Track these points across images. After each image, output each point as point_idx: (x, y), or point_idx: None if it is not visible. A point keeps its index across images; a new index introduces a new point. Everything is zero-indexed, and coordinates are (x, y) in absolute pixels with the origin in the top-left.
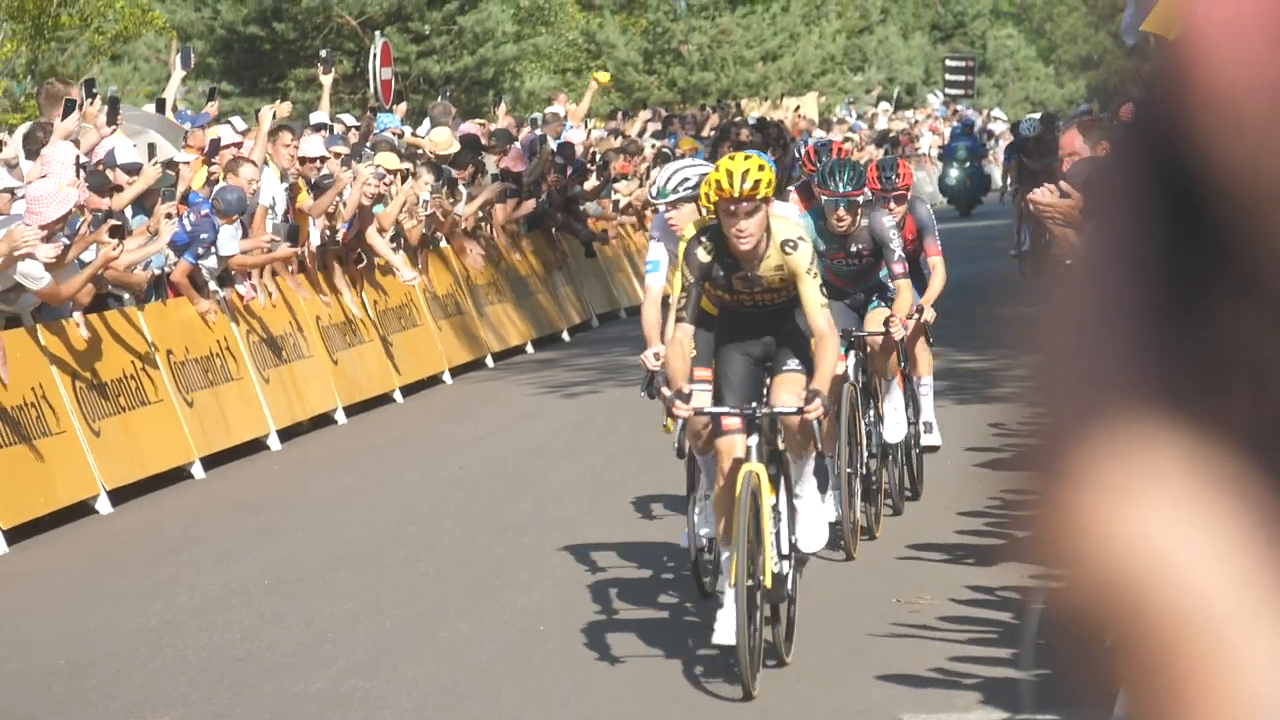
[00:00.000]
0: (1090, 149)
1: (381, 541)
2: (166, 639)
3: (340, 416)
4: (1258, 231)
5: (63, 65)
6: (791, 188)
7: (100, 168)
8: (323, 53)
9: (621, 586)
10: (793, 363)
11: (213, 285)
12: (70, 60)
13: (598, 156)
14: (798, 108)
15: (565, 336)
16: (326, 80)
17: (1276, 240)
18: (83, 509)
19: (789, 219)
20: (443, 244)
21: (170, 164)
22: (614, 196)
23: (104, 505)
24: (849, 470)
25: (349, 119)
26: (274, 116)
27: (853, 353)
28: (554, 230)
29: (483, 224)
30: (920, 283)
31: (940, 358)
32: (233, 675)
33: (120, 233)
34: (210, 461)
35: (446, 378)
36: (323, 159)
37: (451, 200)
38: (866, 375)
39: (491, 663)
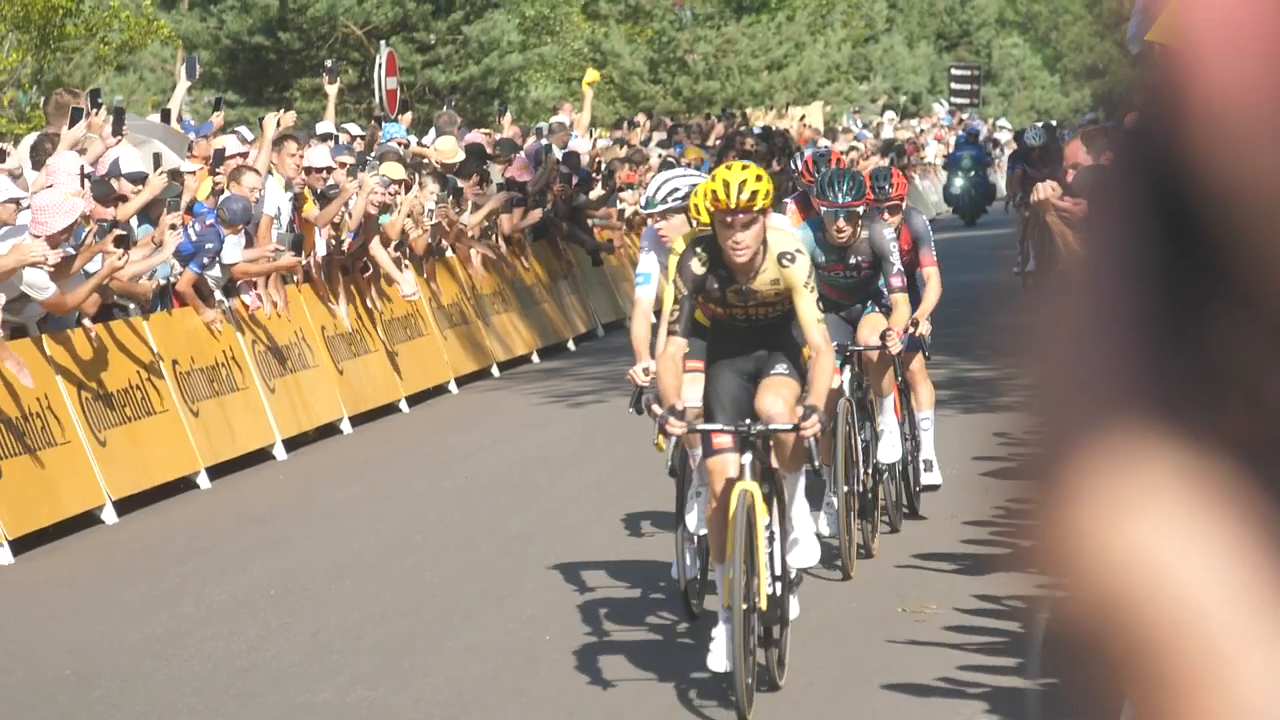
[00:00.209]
0: (1094, 158)
1: (387, 551)
2: (172, 649)
3: (346, 426)
4: (1252, 249)
5: (68, 75)
6: (788, 198)
7: (105, 178)
8: (328, 62)
9: (627, 597)
10: (781, 367)
11: (218, 295)
12: (76, 70)
13: (603, 166)
14: (803, 117)
15: (571, 346)
16: (332, 90)
17: (1271, 258)
18: (88, 519)
19: (786, 231)
20: (448, 253)
21: (175, 174)
22: (619, 206)
23: (109, 515)
24: (846, 488)
25: (354, 129)
26: (278, 125)
27: (848, 367)
28: (559, 240)
29: (489, 233)
30: (916, 296)
31: (945, 366)
32: (239, 685)
33: (125, 243)
34: (216, 471)
35: (452, 387)
36: (329, 169)
37: (457, 210)
38: (862, 390)
39: (497, 672)
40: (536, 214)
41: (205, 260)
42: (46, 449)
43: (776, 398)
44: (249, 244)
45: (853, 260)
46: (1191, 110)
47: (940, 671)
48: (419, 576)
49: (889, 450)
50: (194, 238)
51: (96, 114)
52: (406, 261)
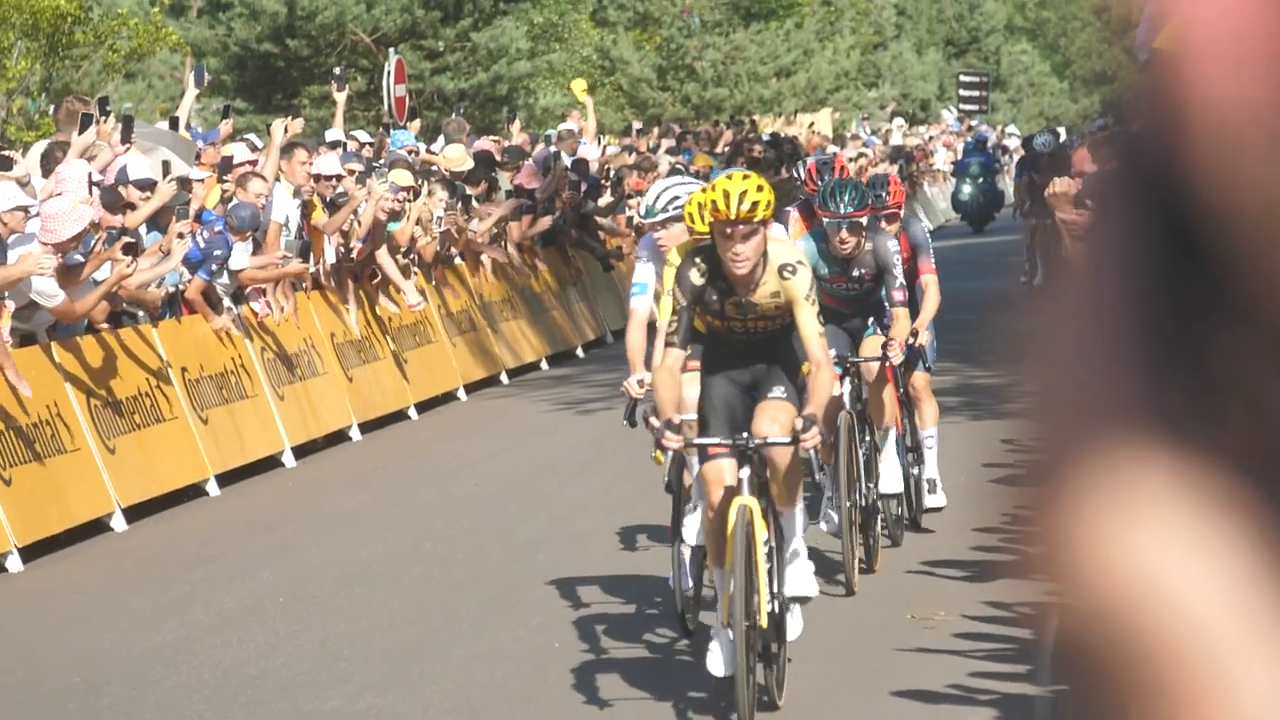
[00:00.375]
0: (1101, 166)
1: (396, 558)
2: (181, 656)
3: (355, 433)
4: (1251, 261)
5: (77, 83)
6: (791, 207)
7: (112, 185)
8: (337, 70)
9: (637, 603)
10: (779, 389)
11: (227, 302)
12: (84, 78)
13: (612, 173)
14: (812, 124)
15: (580, 353)
16: (340, 97)
17: (1270, 270)
18: (98, 526)
19: (787, 242)
20: (457, 261)
21: (184, 182)
22: (628, 213)
23: (119, 522)
24: (849, 503)
25: (363, 136)
26: (285, 131)
27: (848, 379)
28: (568, 247)
29: (498, 240)
30: (916, 304)
31: (953, 373)
32: (248, 693)
33: (134, 250)
34: (225, 479)
35: (461, 394)
36: (338, 177)
37: (466, 217)
38: (862, 403)
39: (506, 680)
40: (546, 221)
41: (214, 267)
42: (56, 456)
43: (773, 423)
44: (257, 251)
45: (855, 272)
46: (1189, 121)
47: (949, 679)
48: (428, 584)
49: (890, 481)
50: (203, 245)
51: (105, 121)
52: (415, 269)
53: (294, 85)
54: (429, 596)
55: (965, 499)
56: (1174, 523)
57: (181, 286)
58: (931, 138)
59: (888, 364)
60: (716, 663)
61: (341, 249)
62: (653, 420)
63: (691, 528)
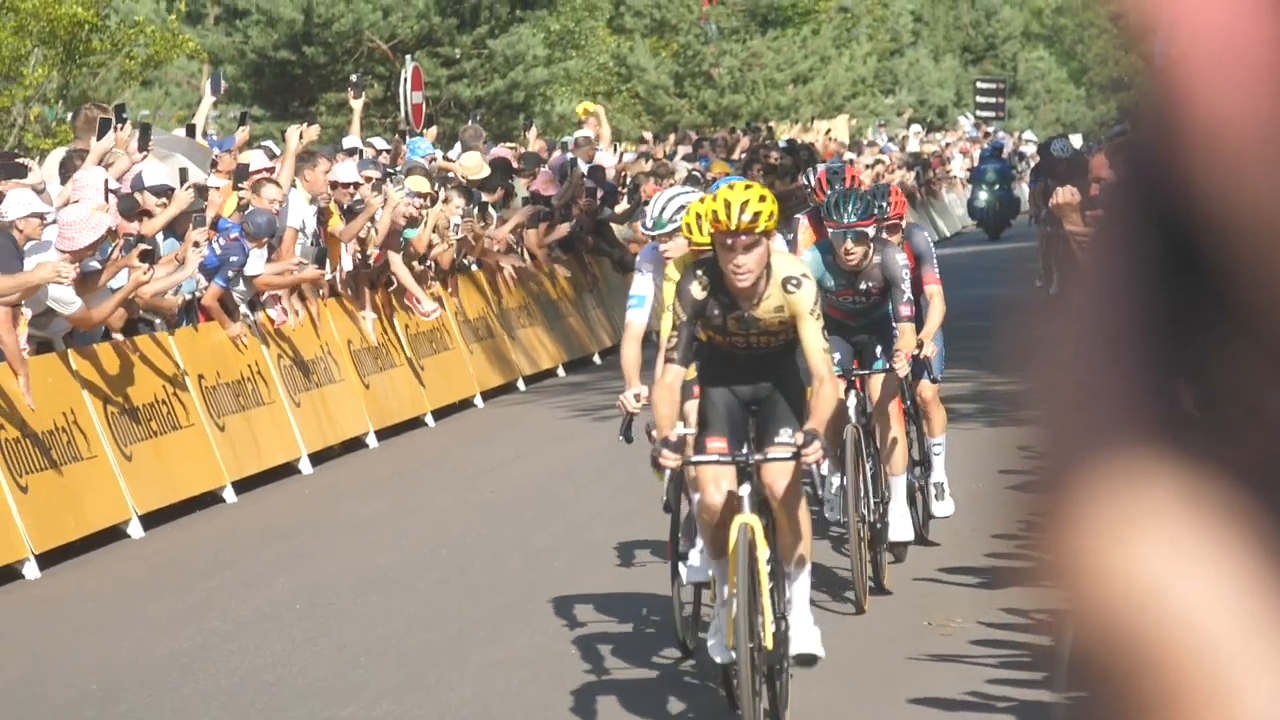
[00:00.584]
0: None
1: (413, 565)
2: (198, 663)
3: (371, 440)
4: (1250, 273)
5: (94, 90)
6: (801, 215)
7: (128, 191)
8: (353, 77)
9: (653, 610)
10: (785, 433)
11: (243, 309)
12: (101, 85)
13: (628, 179)
14: (829, 130)
15: (596, 359)
16: (357, 104)
17: (1269, 281)
18: (114, 533)
19: (790, 255)
20: (474, 268)
21: (200, 189)
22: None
23: (135, 529)
24: (857, 519)
25: (380, 143)
26: (300, 138)
27: (853, 392)
28: (585, 253)
29: (515, 246)
30: (922, 315)
31: (970, 380)
32: (264, 700)
33: (151, 258)
34: (241, 485)
35: (478, 401)
36: (355, 184)
37: (483, 224)
38: (867, 416)
39: (522, 687)
40: (564, 228)
41: (230, 274)
42: (72, 463)
43: (782, 476)
44: (272, 257)
45: (863, 285)
46: (1189, 133)
47: (967, 686)
48: (444, 591)
49: (900, 529)
50: (219, 251)
51: (121, 129)
52: (433, 277)
53: (311, 92)
54: (445, 603)
55: (982, 506)
56: (1176, 532)
57: (198, 293)
58: (948, 144)
59: (894, 373)
60: (718, 648)
61: (358, 256)
62: (653, 433)
63: (692, 564)
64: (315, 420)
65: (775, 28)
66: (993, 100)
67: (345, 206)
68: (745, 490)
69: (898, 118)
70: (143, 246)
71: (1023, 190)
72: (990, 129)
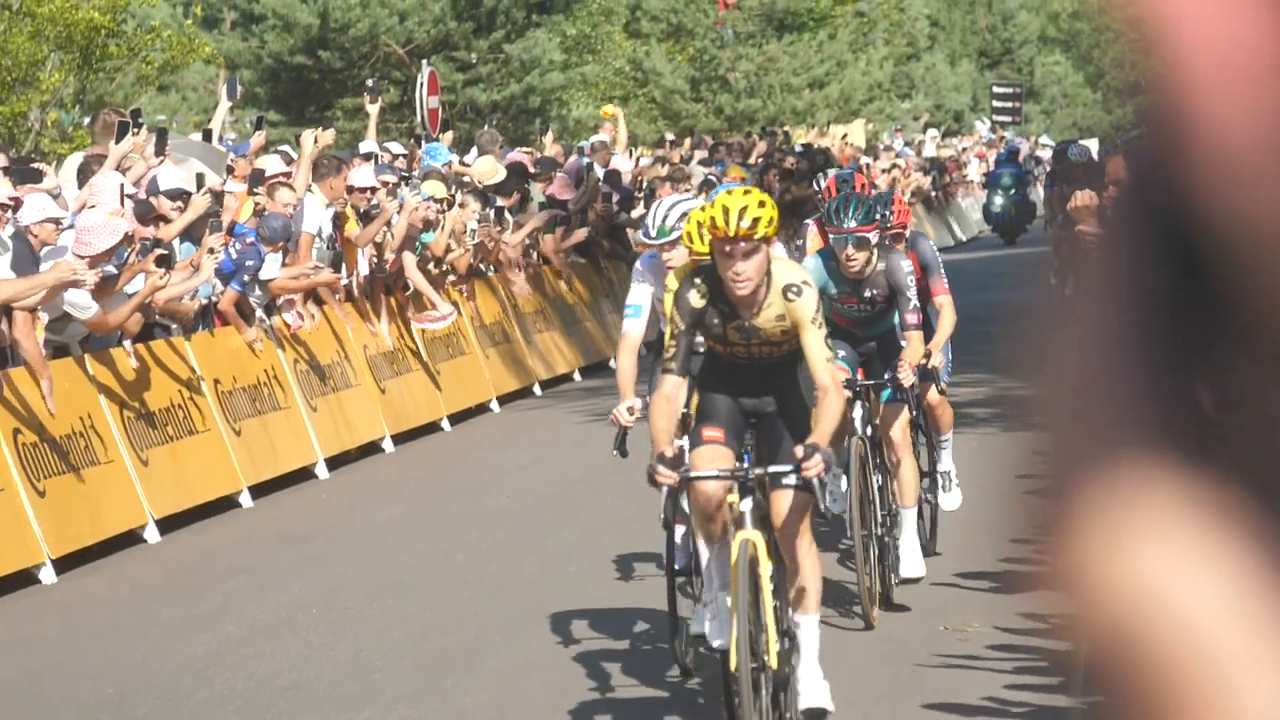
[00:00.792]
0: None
1: (429, 570)
2: (214, 668)
3: (388, 445)
4: (1254, 281)
5: (110, 95)
6: (810, 220)
7: (144, 197)
8: (369, 82)
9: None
10: (792, 479)
11: (260, 313)
12: (118, 90)
13: (644, 184)
14: (845, 135)
15: (612, 364)
16: (373, 109)
17: (1272, 289)
18: (131, 538)
19: (792, 262)
20: (490, 272)
21: (216, 195)
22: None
23: (152, 534)
24: (864, 533)
25: (396, 148)
26: (315, 142)
27: (859, 403)
28: (601, 258)
29: (530, 251)
30: (930, 328)
31: (986, 384)
32: (280, 705)
33: (167, 262)
34: (258, 490)
35: (494, 406)
36: (372, 189)
37: (499, 228)
38: (874, 427)
39: (539, 692)
40: (582, 233)
41: (246, 279)
42: (89, 468)
43: (792, 515)
44: (288, 262)
45: (867, 293)
46: (1190, 139)
47: (984, 691)
48: (460, 595)
49: (911, 566)
50: (234, 256)
51: (138, 133)
52: (454, 283)
53: (327, 97)
54: (461, 608)
55: (998, 510)
56: (1180, 538)
57: (214, 298)
58: (965, 149)
59: (898, 381)
60: (716, 631)
61: (374, 260)
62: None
63: (701, 622)
64: (331, 425)
65: (791, 32)
66: (1009, 105)
67: (361, 211)
68: (747, 505)
69: (914, 122)
70: (159, 251)
71: (1038, 195)
72: (1006, 134)
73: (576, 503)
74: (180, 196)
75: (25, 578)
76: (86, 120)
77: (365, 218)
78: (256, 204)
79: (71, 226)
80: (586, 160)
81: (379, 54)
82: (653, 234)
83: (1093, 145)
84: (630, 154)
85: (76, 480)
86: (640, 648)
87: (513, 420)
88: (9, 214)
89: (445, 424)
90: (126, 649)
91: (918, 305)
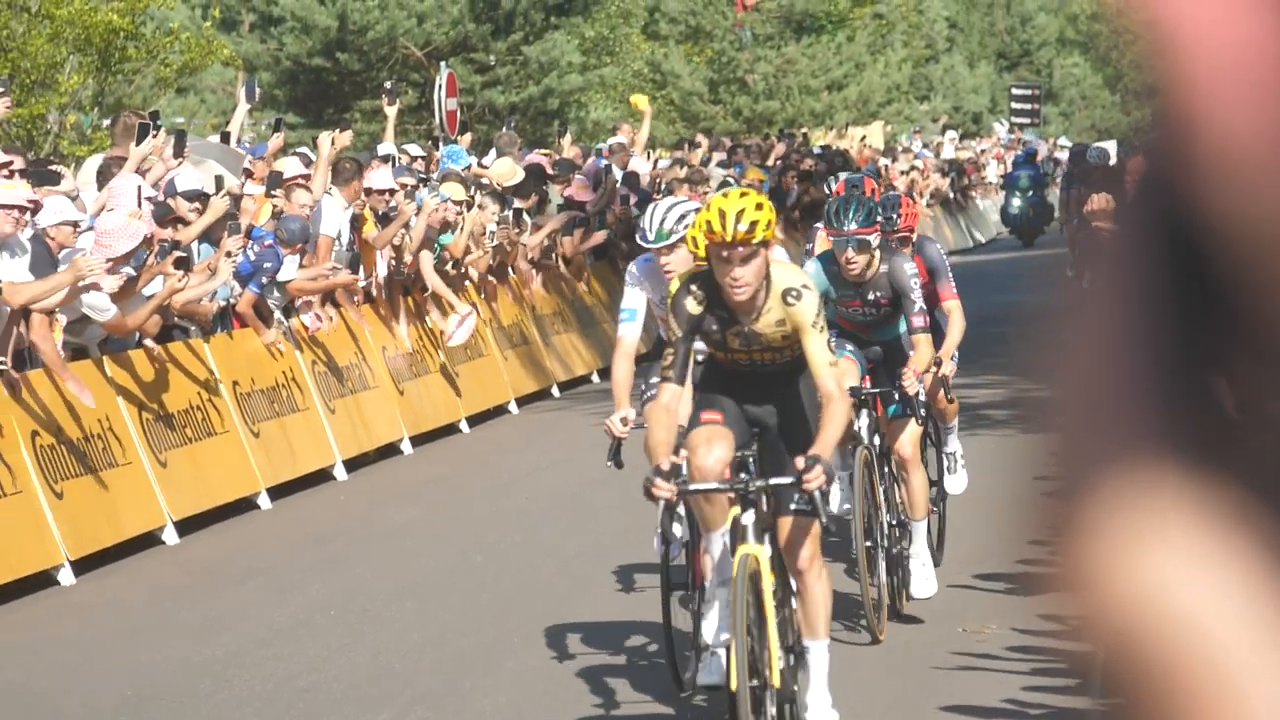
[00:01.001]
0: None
1: (447, 572)
2: (232, 670)
3: (406, 447)
4: (1259, 287)
5: (129, 97)
6: (819, 224)
7: (163, 198)
8: (388, 84)
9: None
10: (798, 501)
11: (278, 315)
12: (136, 92)
13: (663, 186)
14: (863, 137)
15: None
16: (391, 111)
17: (1274, 292)
18: (149, 540)
19: (792, 266)
20: (510, 274)
21: (234, 198)
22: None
23: (170, 536)
24: (868, 544)
25: (414, 150)
26: (333, 144)
27: (865, 411)
28: (619, 260)
29: (549, 253)
30: (939, 334)
31: (1005, 386)
32: (299, 706)
33: (186, 264)
34: (276, 492)
35: (512, 408)
36: (391, 191)
37: (517, 230)
38: (880, 435)
39: (557, 693)
40: (600, 235)
41: (264, 280)
42: (108, 470)
43: (802, 548)
44: (304, 263)
45: (870, 296)
46: (1196, 144)
47: (1002, 693)
48: (479, 597)
49: (923, 586)
50: (253, 258)
51: (156, 136)
52: (472, 277)
53: (345, 100)
54: (480, 610)
55: (1016, 512)
56: (1187, 542)
57: (233, 300)
58: (983, 151)
59: (904, 390)
60: (715, 666)
61: (392, 262)
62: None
63: (710, 625)
64: (350, 426)
65: (810, 34)
66: (1028, 106)
67: (380, 213)
68: (749, 518)
69: (932, 124)
70: (177, 253)
71: (1056, 197)
72: (1025, 136)
73: (595, 505)
74: (198, 198)
75: (44, 579)
76: (106, 123)
77: (383, 220)
78: (275, 206)
79: (90, 229)
80: (605, 162)
81: (397, 56)
82: (650, 237)
83: (1111, 147)
84: (648, 156)
85: (95, 482)
86: (659, 649)
87: (531, 422)
88: (28, 216)
89: (464, 426)
90: (145, 650)
91: (924, 308)
